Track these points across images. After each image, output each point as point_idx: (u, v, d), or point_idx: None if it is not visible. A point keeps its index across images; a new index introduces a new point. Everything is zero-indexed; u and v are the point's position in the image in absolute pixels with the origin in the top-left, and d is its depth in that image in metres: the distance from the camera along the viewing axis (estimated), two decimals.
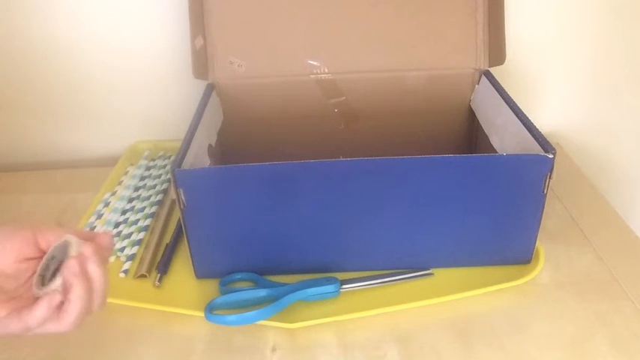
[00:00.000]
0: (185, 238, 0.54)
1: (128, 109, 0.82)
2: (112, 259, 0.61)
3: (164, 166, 0.78)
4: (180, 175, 0.50)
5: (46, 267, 0.40)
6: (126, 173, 0.77)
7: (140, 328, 0.53)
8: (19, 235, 0.40)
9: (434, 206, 0.53)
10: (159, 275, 0.58)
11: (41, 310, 0.37)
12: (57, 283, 0.38)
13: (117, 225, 0.66)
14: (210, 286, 0.56)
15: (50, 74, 0.78)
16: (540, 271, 0.57)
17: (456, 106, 0.73)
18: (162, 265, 0.59)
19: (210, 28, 0.68)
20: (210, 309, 0.52)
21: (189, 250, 0.55)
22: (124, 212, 0.69)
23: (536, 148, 0.52)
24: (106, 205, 0.70)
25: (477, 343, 0.50)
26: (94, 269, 0.39)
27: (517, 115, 0.58)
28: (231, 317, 0.51)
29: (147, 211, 0.69)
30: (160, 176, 0.76)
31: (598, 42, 0.78)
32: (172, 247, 0.62)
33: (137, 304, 0.55)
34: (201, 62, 0.68)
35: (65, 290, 0.38)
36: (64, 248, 0.40)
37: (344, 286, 0.55)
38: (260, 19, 0.68)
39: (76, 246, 0.39)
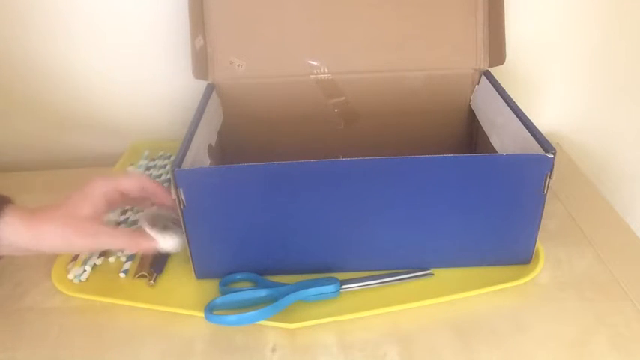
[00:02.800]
0: (185, 238, 0.55)
1: (128, 109, 0.82)
2: (112, 259, 0.61)
3: (164, 166, 0.78)
4: (180, 175, 0.50)
5: (155, 218, 0.55)
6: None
7: (140, 328, 0.53)
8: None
9: (434, 206, 0.53)
10: (154, 275, 0.58)
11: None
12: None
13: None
14: (210, 286, 0.56)
15: (50, 75, 0.78)
16: (540, 271, 0.57)
17: (456, 106, 0.73)
18: (158, 265, 0.59)
19: (210, 28, 0.69)
20: (210, 309, 0.52)
21: (189, 250, 0.55)
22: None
23: (536, 148, 0.52)
24: None
25: (476, 343, 0.50)
26: None
27: (517, 115, 0.58)
28: (231, 317, 0.51)
29: None
30: (160, 176, 0.76)
31: (598, 42, 0.78)
32: None
33: (137, 304, 0.55)
34: (201, 62, 0.68)
35: None
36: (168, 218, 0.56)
37: (344, 286, 0.55)
38: (260, 19, 0.68)
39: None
